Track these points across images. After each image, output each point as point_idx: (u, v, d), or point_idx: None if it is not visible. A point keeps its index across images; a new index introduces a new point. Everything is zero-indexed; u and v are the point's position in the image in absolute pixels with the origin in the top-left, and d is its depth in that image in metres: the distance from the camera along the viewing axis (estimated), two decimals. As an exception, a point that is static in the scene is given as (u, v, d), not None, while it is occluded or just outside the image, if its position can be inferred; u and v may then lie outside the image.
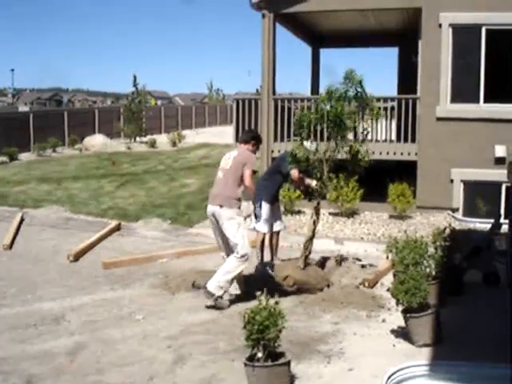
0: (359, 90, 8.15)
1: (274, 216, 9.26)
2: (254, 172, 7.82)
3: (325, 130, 8.65)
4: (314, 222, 8.35)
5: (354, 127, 8.53)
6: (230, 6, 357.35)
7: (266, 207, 9.04)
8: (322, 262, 8.87)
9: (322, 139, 9.80)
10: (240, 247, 7.45)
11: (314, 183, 8.70)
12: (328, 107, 8.26)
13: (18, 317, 7.24)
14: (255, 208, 9.01)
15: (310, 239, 8.26)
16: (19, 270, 9.38)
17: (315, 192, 8.68)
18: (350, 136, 8.82)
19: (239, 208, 7.58)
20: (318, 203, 8.36)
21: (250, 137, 8.14)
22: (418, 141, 13.65)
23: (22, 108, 63.91)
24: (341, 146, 8.33)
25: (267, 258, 9.29)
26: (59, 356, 6.08)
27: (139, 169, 20.34)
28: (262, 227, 9.12)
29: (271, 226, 9.23)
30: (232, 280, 7.52)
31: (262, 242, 9.26)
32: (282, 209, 10.29)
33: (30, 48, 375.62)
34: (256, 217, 9.10)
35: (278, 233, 9.45)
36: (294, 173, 8.95)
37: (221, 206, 7.53)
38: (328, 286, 8.14)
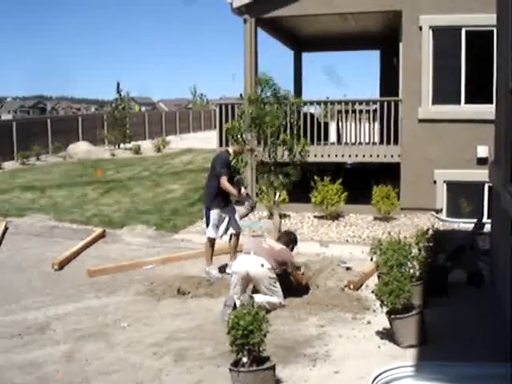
0: (275, 88, 8.51)
1: (228, 219, 9.15)
2: None
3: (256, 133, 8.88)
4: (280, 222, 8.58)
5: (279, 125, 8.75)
6: (212, 11, 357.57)
7: (213, 212, 8.99)
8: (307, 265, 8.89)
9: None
10: (275, 299, 7.43)
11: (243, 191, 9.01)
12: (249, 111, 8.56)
13: (3, 326, 7.20)
14: (205, 213, 9.07)
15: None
16: (3, 279, 9.33)
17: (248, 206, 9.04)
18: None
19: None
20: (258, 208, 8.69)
21: (290, 239, 8.10)
22: (401, 143, 13.71)
23: (5, 116, 63.69)
24: (276, 145, 8.65)
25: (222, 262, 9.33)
26: (45, 365, 6.05)
27: (124, 175, 20.28)
28: (210, 232, 9.07)
29: (225, 230, 9.16)
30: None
31: (212, 247, 9.17)
32: (265, 213, 10.25)
33: (13, 56, 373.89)
34: (207, 222, 9.10)
35: (236, 235, 9.31)
36: (223, 180, 8.86)
37: (262, 265, 7.37)
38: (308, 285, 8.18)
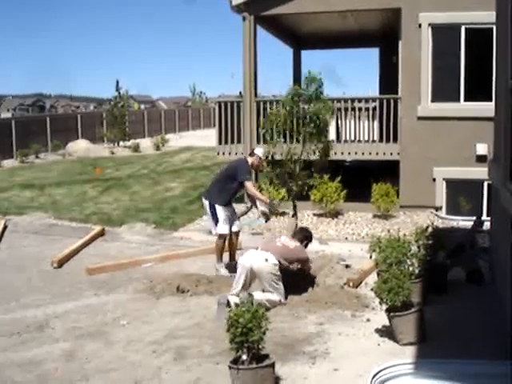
0: (319, 89, 8.62)
1: (231, 217, 9.22)
2: None
3: (295, 129, 8.98)
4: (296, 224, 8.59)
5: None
6: (211, 9, 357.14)
7: (220, 209, 8.99)
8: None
9: (291, 141, 9.91)
10: (276, 296, 7.43)
11: (264, 205, 8.99)
12: (305, 106, 8.65)
13: (2, 324, 7.20)
14: (211, 212, 9.05)
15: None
16: (2, 278, 9.32)
17: (269, 213, 9.09)
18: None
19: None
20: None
21: (304, 236, 8.29)
22: (400, 140, 13.71)
23: (5, 114, 63.62)
24: (314, 144, 8.74)
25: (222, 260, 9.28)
26: (44, 363, 6.04)
27: (123, 173, 20.27)
28: (223, 229, 9.05)
29: (229, 228, 9.20)
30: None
31: (224, 243, 9.19)
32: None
33: (12, 54, 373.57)
34: (216, 221, 9.06)
35: (236, 234, 9.36)
36: (249, 185, 8.98)
37: (266, 260, 7.41)
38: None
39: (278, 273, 7.46)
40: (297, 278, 8.03)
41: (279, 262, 7.47)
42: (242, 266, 7.48)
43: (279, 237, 8.25)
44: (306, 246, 8.26)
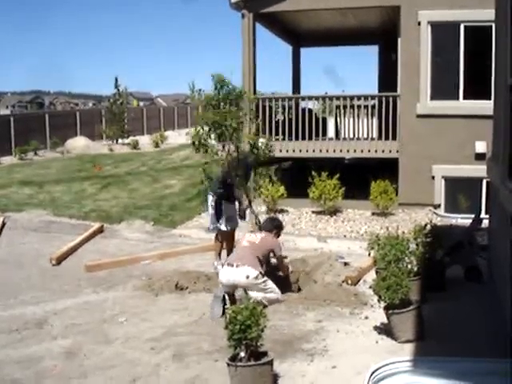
0: (230, 87, 8.69)
1: (233, 216, 9.35)
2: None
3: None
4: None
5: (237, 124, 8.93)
6: (210, 6, 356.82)
7: (224, 206, 9.13)
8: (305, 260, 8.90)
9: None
10: (273, 295, 7.43)
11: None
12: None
13: (1, 321, 7.21)
14: (215, 208, 9.14)
15: None
16: (1, 275, 9.33)
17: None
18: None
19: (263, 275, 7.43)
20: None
21: (273, 226, 8.16)
22: (399, 138, 13.71)
23: (3, 111, 63.56)
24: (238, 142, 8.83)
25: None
26: (42, 360, 6.05)
27: (122, 170, 20.25)
28: (225, 226, 9.19)
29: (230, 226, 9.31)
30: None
31: (222, 241, 9.30)
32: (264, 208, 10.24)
33: (11, 51, 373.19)
34: (218, 218, 9.14)
35: (233, 230, 9.51)
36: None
37: (247, 277, 7.25)
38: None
39: (263, 279, 7.37)
40: (294, 277, 8.05)
41: (260, 273, 7.35)
42: (226, 286, 7.33)
43: (244, 236, 8.04)
44: (277, 235, 8.10)
